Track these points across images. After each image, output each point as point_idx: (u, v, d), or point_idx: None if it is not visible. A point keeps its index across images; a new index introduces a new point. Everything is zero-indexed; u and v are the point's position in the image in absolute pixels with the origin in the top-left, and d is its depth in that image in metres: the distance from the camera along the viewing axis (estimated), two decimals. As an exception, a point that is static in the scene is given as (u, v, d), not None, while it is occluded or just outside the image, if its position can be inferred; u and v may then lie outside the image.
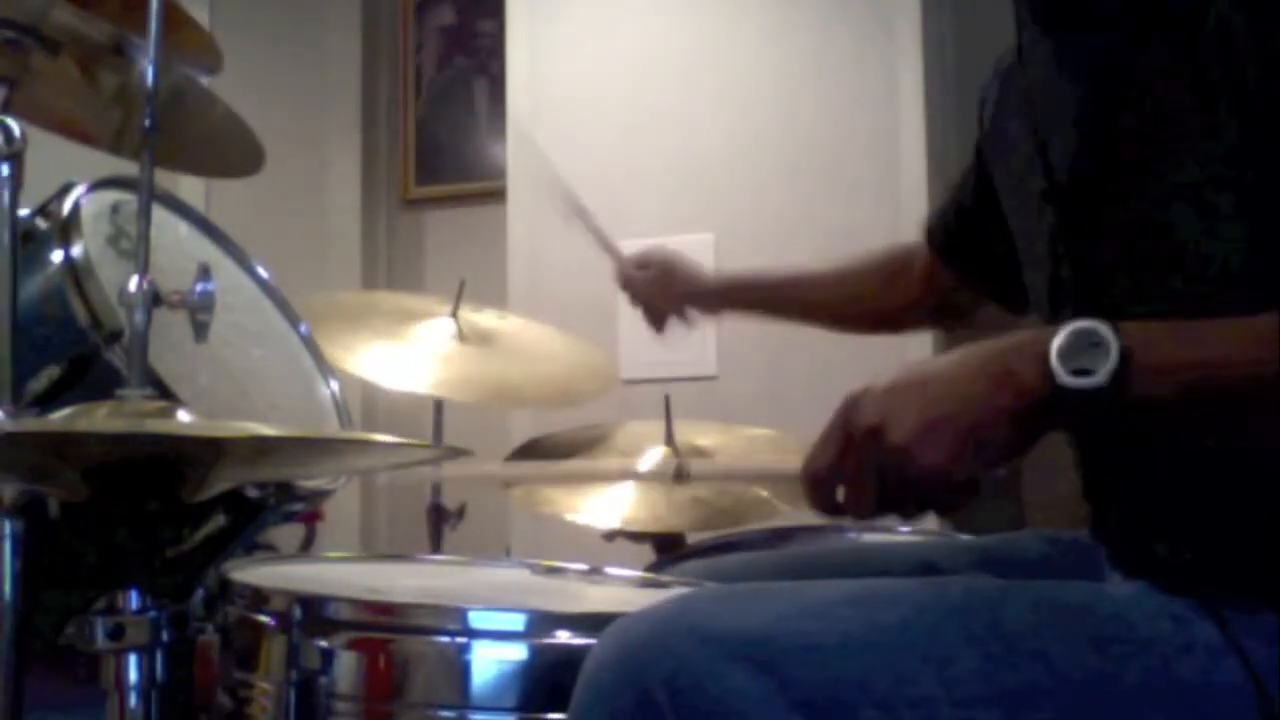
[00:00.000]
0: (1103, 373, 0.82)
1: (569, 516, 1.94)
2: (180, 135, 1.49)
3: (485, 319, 2.19)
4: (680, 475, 1.27)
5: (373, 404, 3.58)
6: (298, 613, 1.00)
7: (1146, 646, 0.87)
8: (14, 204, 1.25)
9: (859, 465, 0.87)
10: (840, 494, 0.91)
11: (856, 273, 1.52)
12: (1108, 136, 0.96)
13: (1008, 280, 1.18)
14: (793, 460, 0.94)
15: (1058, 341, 0.83)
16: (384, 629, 1.01)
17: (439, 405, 2.27)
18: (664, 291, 1.63)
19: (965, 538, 1.68)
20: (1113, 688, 0.85)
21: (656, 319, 1.65)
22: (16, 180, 1.25)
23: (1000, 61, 1.17)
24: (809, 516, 1.97)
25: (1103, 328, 0.83)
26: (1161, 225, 0.92)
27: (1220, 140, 0.89)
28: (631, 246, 2.97)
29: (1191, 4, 0.90)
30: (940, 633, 0.87)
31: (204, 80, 1.58)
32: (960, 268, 1.37)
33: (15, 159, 1.25)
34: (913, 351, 2.66)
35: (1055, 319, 1.00)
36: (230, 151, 1.63)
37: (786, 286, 1.57)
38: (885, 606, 0.90)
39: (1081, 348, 0.83)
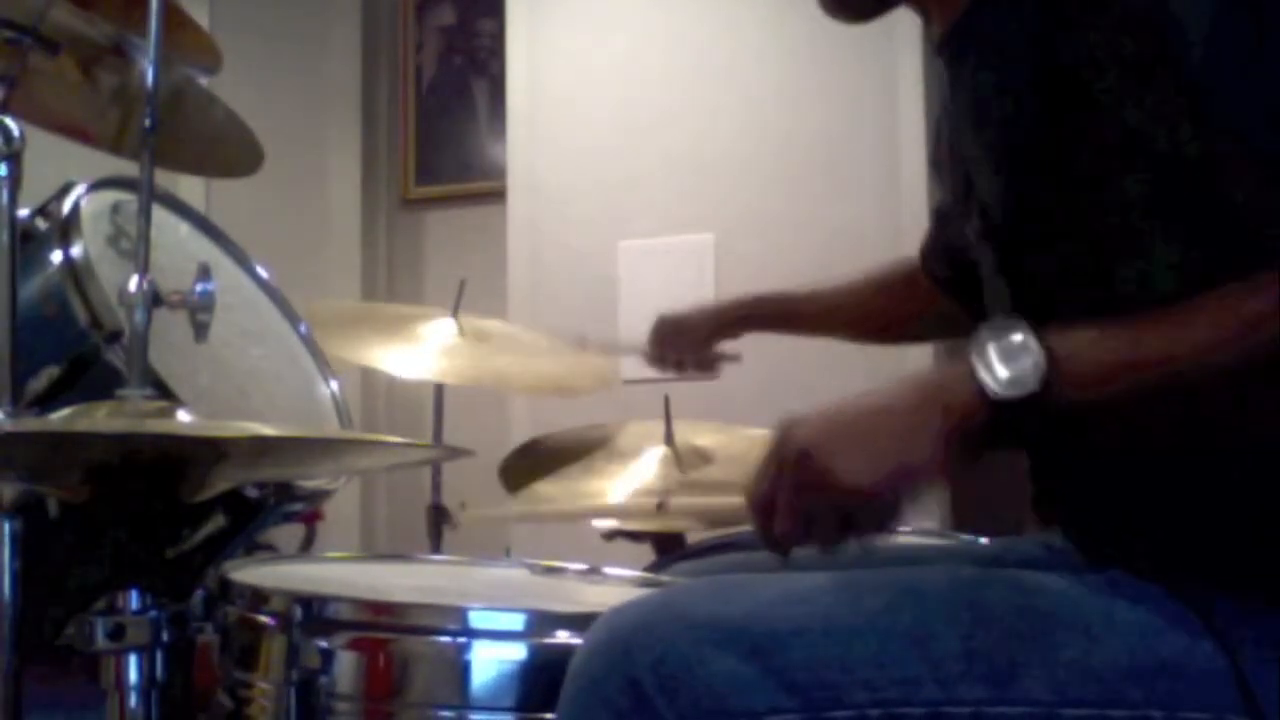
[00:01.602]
0: (1031, 376, 0.84)
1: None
2: (180, 135, 1.49)
3: (486, 325, 2.19)
4: (661, 508, 1.31)
5: (373, 403, 3.58)
6: (298, 613, 1.00)
7: (1127, 627, 0.88)
8: (13, 204, 1.25)
9: (787, 489, 0.89)
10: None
11: (871, 283, 1.54)
12: (1023, 185, 0.97)
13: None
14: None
15: (977, 350, 0.86)
16: (384, 629, 1.01)
17: (439, 405, 2.27)
18: (688, 344, 1.67)
19: (964, 540, 1.68)
20: (1095, 666, 0.87)
21: (704, 367, 1.70)
22: (15, 180, 1.25)
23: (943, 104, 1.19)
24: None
25: (1020, 330, 0.85)
26: (1091, 264, 0.93)
27: (1126, 187, 0.90)
28: (631, 247, 2.99)
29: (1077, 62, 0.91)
30: (924, 615, 0.89)
31: (204, 80, 1.58)
32: (952, 293, 1.38)
33: (14, 159, 1.25)
34: (913, 358, 2.66)
35: None
36: (230, 151, 1.63)
37: (803, 301, 1.59)
38: (869, 592, 0.91)
39: (1005, 353, 0.85)
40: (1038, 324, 0.92)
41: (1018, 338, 0.85)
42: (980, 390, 0.85)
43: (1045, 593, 0.92)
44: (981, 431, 0.86)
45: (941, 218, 1.38)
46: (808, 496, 0.89)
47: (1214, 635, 0.87)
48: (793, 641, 0.87)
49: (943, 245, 1.37)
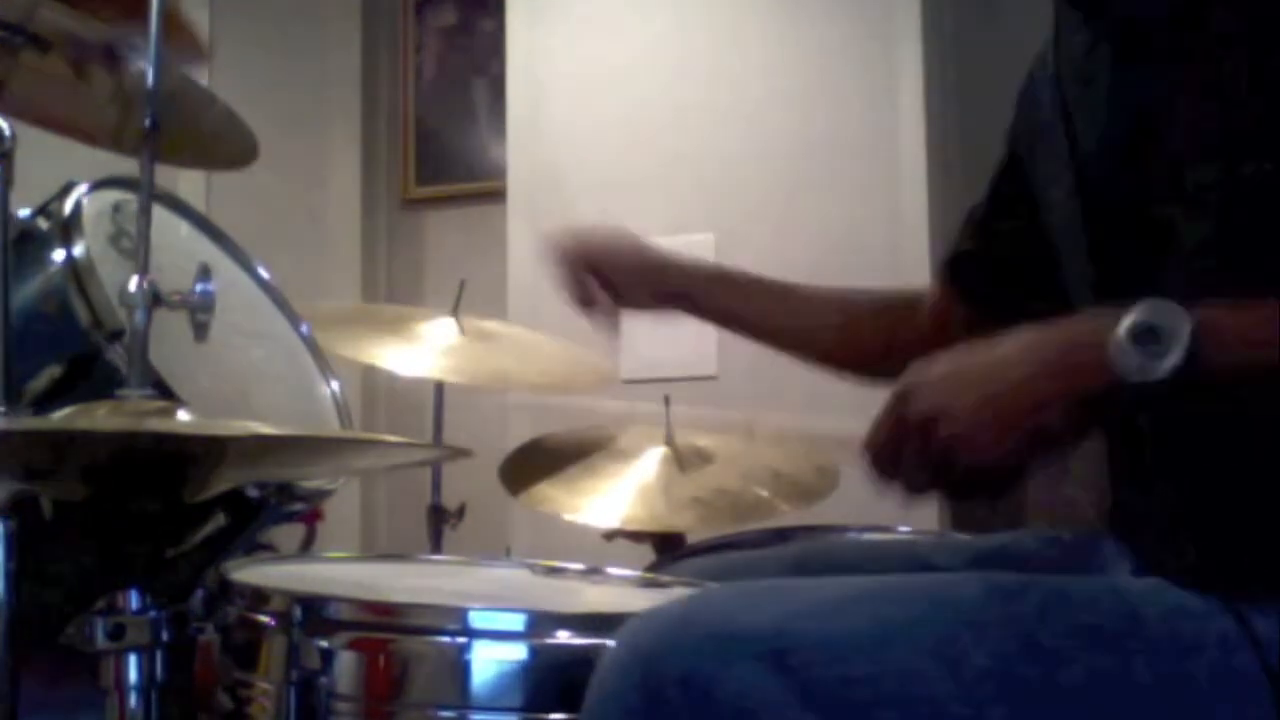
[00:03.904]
0: (1166, 367, 0.81)
1: (569, 516, 1.94)
2: (177, 132, 1.49)
3: (486, 325, 2.19)
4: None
5: (373, 403, 3.58)
6: (298, 613, 1.00)
7: (1158, 643, 0.87)
8: (4, 203, 1.25)
9: (913, 451, 0.88)
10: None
11: (860, 308, 1.38)
12: (1136, 133, 0.96)
13: (1025, 311, 1.17)
14: (855, 429, 0.94)
15: (1120, 334, 0.82)
16: (384, 629, 1.01)
17: (439, 405, 2.27)
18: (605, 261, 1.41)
19: (965, 537, 1.68)
20: (1124, 685, 0.85)
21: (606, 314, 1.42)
22: (6, 179, 1.25)
23: (1036, 61, 1.16)
24: (809, 516, 1.97)
25: (1169, 319, 0.81)
26: (1184, 224, 0.92)
27: (1234, 153, 0.88)
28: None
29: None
30: (952, 630, 0.87)
31: (203, 80, 1.58)
32: (979, 299, 1.29)
33: (4, 157, 1.25)
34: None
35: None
36: (225, 143, 1.63)
37: (774, 301, 1.39)
38: (897, 604, 0.90)
39: (1147, 339, 0.81)
40: (1118, 289, 0.90)
41: (1159, 322, 0.81)
42: (1109, 367, 0.82)
43: (1078, 606, 0.90)
44: (1102, 405, 0.85)
45: (974, 215, 1.29)
46: (933, 460, 0.87)
47: (1253, 648, 0.85)
48: (819, 655, 0.85)
49: (980, 248, 1.27)
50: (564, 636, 0.98)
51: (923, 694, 0.84)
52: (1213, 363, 0.81)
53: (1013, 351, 0.87)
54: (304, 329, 1.67)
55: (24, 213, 1.31)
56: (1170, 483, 0.97)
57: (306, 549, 2.95)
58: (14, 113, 1.29)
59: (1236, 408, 0.88)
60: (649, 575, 1.35)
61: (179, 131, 1.49)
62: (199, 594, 1.09)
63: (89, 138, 1.52)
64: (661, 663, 0.85)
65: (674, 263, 1.37)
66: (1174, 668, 0.86)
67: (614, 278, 1.36)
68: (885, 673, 0.85)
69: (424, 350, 2.06)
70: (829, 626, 0.87)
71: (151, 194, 1.16)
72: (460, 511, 2.23)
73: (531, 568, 1.37)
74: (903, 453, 0.89)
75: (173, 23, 1.54)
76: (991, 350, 0.88)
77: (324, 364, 1.66)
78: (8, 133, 1.25)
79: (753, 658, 0.85)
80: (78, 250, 1.32)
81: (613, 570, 1.34)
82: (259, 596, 1.05)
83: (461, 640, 0.98)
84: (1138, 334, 0.82)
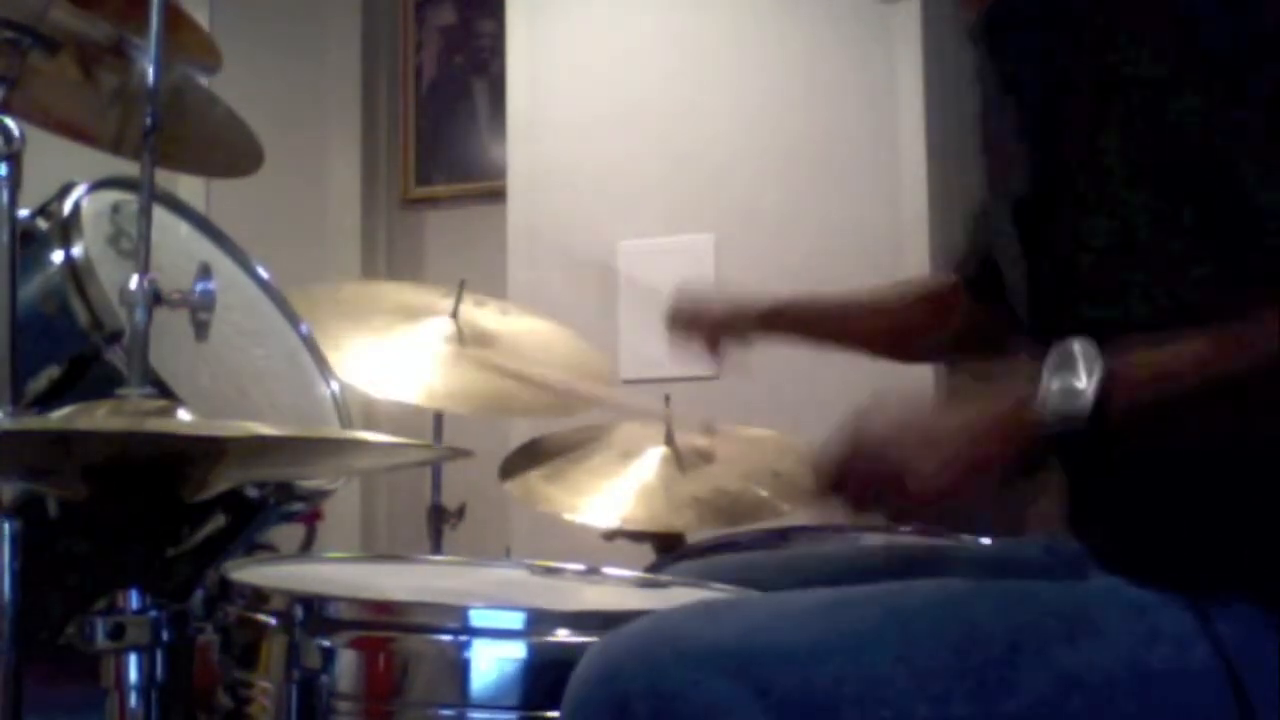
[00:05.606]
0: (1083, 412, 0.87)
1: (569, 516, 1.94)
2: (180, 135, 1.49)
3: (485, 317, 2.18)
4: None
5: (373, 404, 3.57)
6: (298, 612, 1.00)
7: (1115, 639, 0.88)
8: (13, 204, 1.25)
9: (859, 476, 0.94)
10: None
11: (901, 303, 1.49)
12: (1045, 163, 0.98)
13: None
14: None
15: (1043, 382, 0.88)
16: (384, 628, 1.01)
17: (439, 405, 2.27)
18: (702, 318, 1.59)
19: (965, 539, 1.68)
20: (1083, 679, 0.87)
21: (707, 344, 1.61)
22: (15, 180, 1.25)
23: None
24: (809, 517, 1.97)
25: (1084, 350, 0.88)
26: (1111, 247, 0.94)
27: (1142, 169, 0.91)
28: (631, 246, 2.99)
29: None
30: (912, 632, 0.89)
31: (204, 80, 1.58)
32: (988, 300, 1.35)
33: (14, 159, 1.25)
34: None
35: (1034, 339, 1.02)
36: (229, 151, 1.63)
37: (833, 313, 1.52)
38: (857, 611, 0.92)
39: (1064, 394, 0.88)
40: (1053, 314, 0.95)
41: (1079, 384, 0.87)
42: (1042, 419, 0.88)
43: (1036, 605, 0.92)
44: (1040, 453, 0.91)
45: (978, 216, 1.36)
46: (876, 487, 0.93)
47: (1211, 641, 0.87)
48: (782, 664, 0.87)
49: (980, 244, 1.33)
50: (563, 635, 0.98)
51: (886, 695, 0.86)
52: (1127, 398, 0.87)
53: (963, 406, 0.95)
54: (304, 329, 1.67)
55: (23, 213, 1.31)
56: (1127, 482, 0.99)
57: (306, 549, 2.96)
58: (22, 114, 1.29)
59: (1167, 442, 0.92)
60: (648, 575, 1.35)
61: (181, 135, 1.49)
62: (199, 594, 1.09)
63: (93, 140, 1.52)
64: (628, 677, 0.86)
65: (742, 303, 1.55)
66: (1131, 662, 0.87)
67: (712, 328, 1.57)
68: (848, 677, 0.87)
69: (420, 362, 2.05)
70: (790, 638, 0.89)
71: (151, 194, 1.16)
72: (460, 511, 2.23)
73: (531, 568, 1.37)
74: (850, 473, 0.94)
75: (187, 28, 1.54)
76: (945, 403, 0.97)
77: (324, 364, 1.66)
78: (17, 133, 1.25)
79: (718, 670, 0.86)
80: (76, 251, 1.32)
81: (612, 570, 1.34)
82: (259, 596, 1.06)
83: (461, 639, 0.98)
84: (1057, 365, 0.88)
